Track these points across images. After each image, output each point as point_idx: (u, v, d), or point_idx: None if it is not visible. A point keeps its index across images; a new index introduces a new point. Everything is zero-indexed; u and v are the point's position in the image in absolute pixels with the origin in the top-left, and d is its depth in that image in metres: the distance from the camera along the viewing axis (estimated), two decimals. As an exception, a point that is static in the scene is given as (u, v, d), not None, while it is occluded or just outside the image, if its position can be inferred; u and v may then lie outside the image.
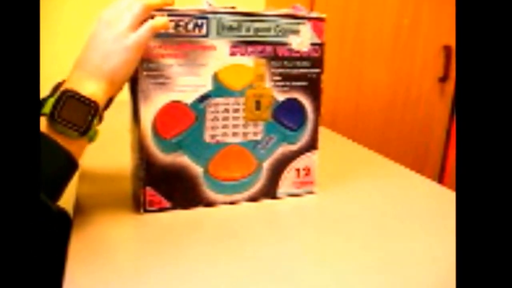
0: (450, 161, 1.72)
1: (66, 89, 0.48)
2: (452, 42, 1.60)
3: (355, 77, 1.52)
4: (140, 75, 0.53)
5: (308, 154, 0.64)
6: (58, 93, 0.48)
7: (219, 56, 0.56)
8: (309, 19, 0.60)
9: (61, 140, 0.47)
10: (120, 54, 0.49)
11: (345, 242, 0.53)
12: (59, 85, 0.59)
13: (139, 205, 0.57)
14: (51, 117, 0.47)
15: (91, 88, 0.49)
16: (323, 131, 1.08)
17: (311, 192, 0.66)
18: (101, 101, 0.50)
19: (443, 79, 1.63)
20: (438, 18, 1.56)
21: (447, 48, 1.60)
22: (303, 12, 0.60)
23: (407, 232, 0.57)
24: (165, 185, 0.57)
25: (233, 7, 0.57)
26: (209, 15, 0.54)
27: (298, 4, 0.62)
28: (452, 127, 1.69)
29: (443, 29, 1.58)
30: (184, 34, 0.54)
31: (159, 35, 0.52)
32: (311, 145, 0.64)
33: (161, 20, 0.51)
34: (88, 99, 0.49)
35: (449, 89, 1.67)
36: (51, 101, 0.48)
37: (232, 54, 0.56)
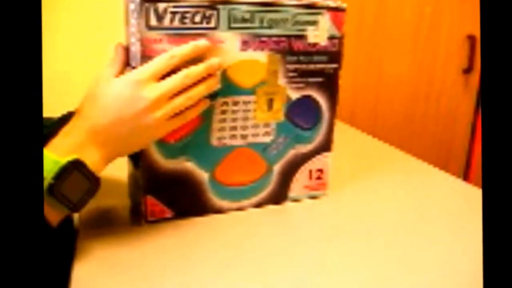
0: (476, 157, 1.67)
1: (74, 160, 0.44)
2: (476, 31, 1.55)
3: (374, 69, 1.49)
4: None
5: (322, 156, 0.60)
6: (65, 162, 0.43)
7: (229, 51, 0.51)
8: (328, 9, 0.55)
9: (45, 209, 0.43)
10: (147, 139, 0.48)
11: (364, 245, 0.51)
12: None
13: (139, 216, 0.53)
14: (49, 190, 0.42)
15: (96, 157, 0.46)
16: (340, 127, 1.06)
17: (323, 195, 0.63)
18: (101, 172, 0.47)
19: (468, 70, 1.59)
20: (461, 6, 1.51)
21: (471, 38, 1.55)
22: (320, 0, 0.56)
23: (431, 233, 0.55)
24: (168, 193, 0.53)
25: None
26: (219, 5, 0.49)
27: None
28: (477, 121, 1.65)
29: (467, 17, 1.53)
30: (190, 27, 0.49)
31: (163, 28, 0.48)
32: (325, 146, 0.60)
33: (194, 114, 0.49)
34: (93, 175, 0.45)
35: (474, 81, 1.62)
36: (54, 169, 0.42)
37: (243, 48, 0.52)
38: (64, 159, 0.43)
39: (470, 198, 0.65)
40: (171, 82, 0.46)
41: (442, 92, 1.59)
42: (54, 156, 0.43)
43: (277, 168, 0.58)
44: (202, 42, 0.48)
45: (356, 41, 1.44)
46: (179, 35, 0.48)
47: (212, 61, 0.48)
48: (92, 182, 0.45)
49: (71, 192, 0.44)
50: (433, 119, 1.61)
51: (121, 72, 0.49)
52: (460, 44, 1.56)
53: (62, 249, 0.49)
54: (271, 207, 0.59)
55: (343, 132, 1.00)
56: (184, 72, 0.47)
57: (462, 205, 0.63)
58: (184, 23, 0.48)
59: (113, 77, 0.47)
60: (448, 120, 1.63)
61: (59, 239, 0.47)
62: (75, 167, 0.44)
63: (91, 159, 0.45)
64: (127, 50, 0.50)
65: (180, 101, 0.47)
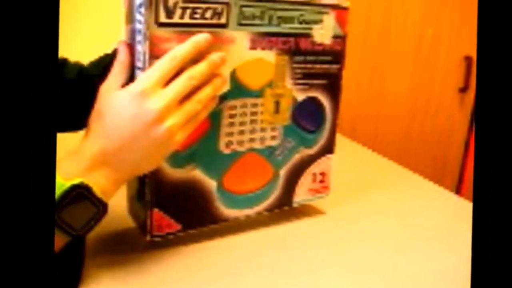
0: (468, 172, 1.70)
1: (79, 184, 0.40)
2: (473, 53, 1.59)
3: (376, 85, 1.52)
4: None
5: (325, 158, 0.59)
6: (68, 186, 0.39)
7: (239, 50, 0.48)
8: (333, 7, 0.54)
9: None
10: (162, 153, 0.44)
11: (357, 260, 0.53)
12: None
13: (144, 231, 0.49)
14: None
15: (106, 180, 0.42)
16: (342, 140, 1.06)
17: (326, 195, 0.62)
18: (111, 196, 0.43)
19: (464, 89, 1.62)
20: (460, 28, 1.55)
21: (468, 59, 1.59)
22: None
23: (424, 244, 0.57)
24: (175, 206, 0.49)
25: None
26: (230, 1, 0.46)
27: None
28: (470, 137, 1.68)
29: (464, 39, 1.57)
30: (201, 23, 0.45)
31: (173, 24, 0.43)
32: (328, 148, 0.59)
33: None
34: (100, 200, 0.41)
35: (469, 100, 1.65)
36: (57, 193, 0.39)
37: (252, 47, 0.49)
38: (68, 182, 0.39)
39: (462, 211, 0.68)
40: (176, 86, 0.42)
41: (439, 109, 1.62)
42: (59, 177, 0.39)
43: (283, 172, 0.56)
44: (202, 37, 0.44)
45: (360, 59, 1.48)
46: (189, 33, 0.44)
47: (213, 57, 0.44)
48: (99, 208, 0.41)
49: (74, 218, 0.40)
50: (429, 135, 1.64)
51: (128, 78, 0.45)
52: (457, 64, 1.60)
53: (69, 271, 0.46)
54: (271, 229, 0.57)
55: (344, 146, 1.01)
56: (187, 73, 0.42)
57: (454, 217, 0.65)
58: (195, 19, 0.44)
59: (117, 88, 0.43)
60: (443, 136, 1.66)
61: (66, 261, 0.44)
62: (80, 191, 0.40)
63: (100, 183, 0.41)
64: (131, 48, 0.46)
65: (190, 107, 0.43)
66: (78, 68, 0.59)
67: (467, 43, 1.58)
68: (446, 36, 1.55)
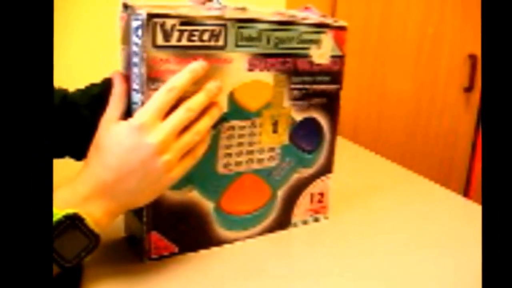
0: (476, 174, 1.68)
1: (72, 214, 0.40)
2: (477, 51, 1.57)
3: (377, 86, 1.51)
4: (146, 98, 0.44)
5: (323, 178, 0.59)
6: (60, 216, 0.40)
7: (237, 71, 0.49)
8: (331, 27, 0.54)
9: None
10: (159, 187, 0.44)
11: (365, 268, 0.52)
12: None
13: (141, 253, 0.49)
14: None
15: (100, 212, 0.42)
16: (343, 144, 1.07)
17: (324, 218, 0.62)
18: (105, 227, 0.43)
19: (469, 89, 1.60)
20: (463, 26, 1.54)
21: (472, 57, 1.57)
22: (316, 15, 0.55)
23: (433, 247, 0.56)
24: (173, 228, 0.50)
25: (243, 8, 0.51)
26: (227, 23, 0.47)
27: (311, 4, 0.58)
28: (477, 138, 1.65)
29: (468, 37, 1.56)
30: (198, 46, 0.45)
31: (170, 46, 0.44)
32: (326, 169, 0.59)
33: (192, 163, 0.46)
34: (92, 231, 0.41)
35: (475, 100, 1.63)
36: None
37: (251, 69, 0.49)
38: (61, 212, 0.40)
39: (471, 214, 0.66)
40: (175, 119, 0.43)
41: (443, 110, 1.60)
42: (54, 207, 0.40)
43: (280, 193, 0.56)
44: (198, 65, 0.45)
45: (360, 59, 1.47)
46: (187, 55, 0.45)
47: (210, 86, 0.45)
48: (91, 239, 0.41)
49: (66, 248, 0.40)
50: (434, 136, 1.62)
51: (125, 109, 0.46)
52: (461, 63, 1.58)
53: (68, 283, 0.45)
54: (274, 236, 0.57)
55: (346, 149, 1.01)
56: (185, 106, 0.43)
57: (463, 221, 0.64)
58: (192, 41, 0.45)
59: (116, 121, 0.44)
60: (449, 138, 1.64)
61: (64, 274, 0.44)
62: (72, 222, 0.40)
63: (95, 214, 0.42)
64: (126, 77, 0.47)
65: (188, 138, 0.44)
66: (62, 94, 0.57)
67: (471, 41, 1.57)
68: (448, 34, 1.54)
